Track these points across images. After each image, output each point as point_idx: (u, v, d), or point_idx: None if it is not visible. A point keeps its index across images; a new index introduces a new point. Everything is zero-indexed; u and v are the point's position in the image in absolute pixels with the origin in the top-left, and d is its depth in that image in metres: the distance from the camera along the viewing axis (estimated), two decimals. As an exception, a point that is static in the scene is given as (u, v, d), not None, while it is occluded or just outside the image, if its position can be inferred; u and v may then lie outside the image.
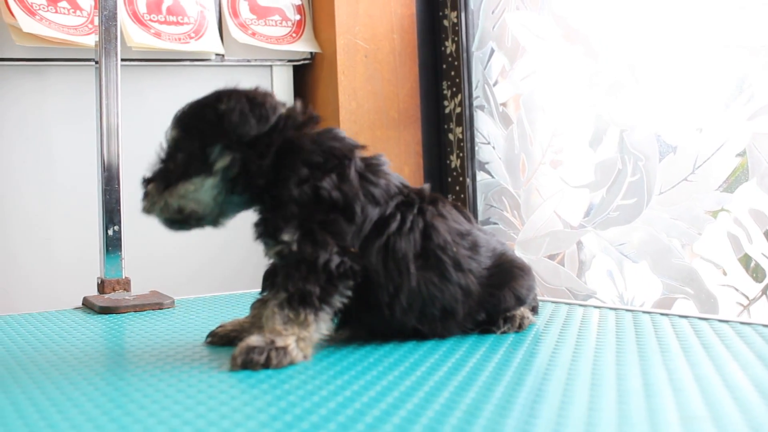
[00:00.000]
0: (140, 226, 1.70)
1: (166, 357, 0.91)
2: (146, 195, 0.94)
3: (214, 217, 0.93)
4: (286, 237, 0.86)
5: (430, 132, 2.07)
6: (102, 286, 1.39)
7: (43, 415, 0.68)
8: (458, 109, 2.01)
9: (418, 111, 2.05)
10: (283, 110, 0.91)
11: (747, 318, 1.20)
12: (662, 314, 1.09)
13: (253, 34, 1.90)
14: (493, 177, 1.92)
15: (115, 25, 1.38)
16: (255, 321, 0.94)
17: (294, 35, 1.97)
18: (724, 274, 1.34)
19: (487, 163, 1.95)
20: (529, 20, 1.79)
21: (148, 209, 0.94)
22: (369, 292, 0.89)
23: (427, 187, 0.98)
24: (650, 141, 1.49)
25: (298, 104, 0.95)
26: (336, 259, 0.85)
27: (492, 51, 1.92)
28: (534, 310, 1.04)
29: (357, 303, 0.89)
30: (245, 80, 2.04)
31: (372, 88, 1.98)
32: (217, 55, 1.87)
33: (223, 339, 0.97)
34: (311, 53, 2.01)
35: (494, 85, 1.92)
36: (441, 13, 2.06)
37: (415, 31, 2.06)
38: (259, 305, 0.95)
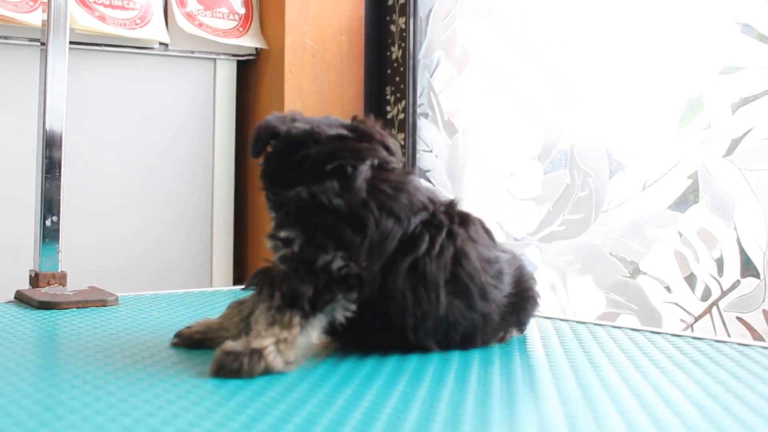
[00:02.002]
0: (73, 218, 1.63)
1: (124, 357, 0.86)
2: None
3: None
4: (285, 236, 0.82)
5: (374, 136, 2.06)
6: (36, 280, 1.31)
7: None
8: (401, 116, 2.01)
9: (362, 115, 2.03)
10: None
11: (697, 333, 1.23)
12: (615, 327, 1.10)
13: (200, 25, 1.85)
14: (434, 185, 1.92)
15: (65, 4, 1.32)
16: (224, 322, 0.89)
17: (241, 29, 1.93)
18: (669, 291, 1.37)
19: (428, 171, 1.95)
20: (480, 31, 1.80)
21: None
22: (388, 312, 0.85)
23: (457, 199, 0.93)
24: (600, 158, 1.51)
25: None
26: (339, 262, 0.79)
27: (439, 59, 1.93)
28: (522, 329, 1.04)
29: (371, 320, 0.85)
30: (188, 73, 1.97)
31: (318, 89, 1.95)
32: (161, 44, 1.81)
33: (186, 341, 0.91)
34: (256, 49, 1.97)
35: (440, 93, 1.92)
36: (389, 18, 2.05)
37: (363, 34, 2.04)
38: (236, 305, 0.89)
